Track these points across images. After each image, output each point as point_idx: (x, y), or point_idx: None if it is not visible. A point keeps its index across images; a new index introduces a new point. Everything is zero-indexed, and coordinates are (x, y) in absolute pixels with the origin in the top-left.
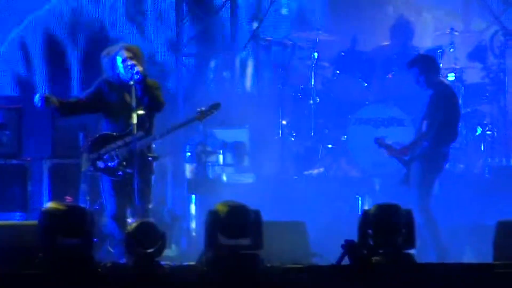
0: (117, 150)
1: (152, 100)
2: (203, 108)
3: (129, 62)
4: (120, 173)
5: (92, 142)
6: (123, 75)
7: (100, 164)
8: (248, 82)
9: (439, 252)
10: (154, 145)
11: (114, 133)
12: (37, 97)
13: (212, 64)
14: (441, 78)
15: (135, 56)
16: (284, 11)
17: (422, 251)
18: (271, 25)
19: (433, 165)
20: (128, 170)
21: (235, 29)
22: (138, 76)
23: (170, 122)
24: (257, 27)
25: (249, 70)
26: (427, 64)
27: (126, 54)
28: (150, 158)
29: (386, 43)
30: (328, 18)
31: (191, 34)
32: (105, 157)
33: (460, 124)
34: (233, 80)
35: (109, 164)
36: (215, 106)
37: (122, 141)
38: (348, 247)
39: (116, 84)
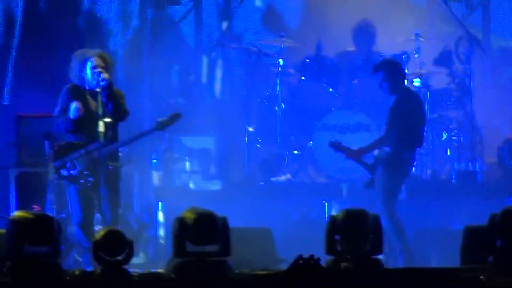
0: (78, 158)
1: (116, 108)
2: (164, 118)
3: (97, 70)
4: (81, 181)
5: (56, 150)
6: (89, 80)
7: (63, 172)
8: (214, 89)
9: (406, 256)
10: (120, 154)
11: (78, 141)
12: (74, 106)
13: (178, 69)
14: (406, 85)
15: (106, 65)
16: (258, 2)
17: (390, 256)
18: (240, 30)
19: (397, 170)
20: (89, 178)
21: (201, 34)
22: (104, 83)
23: (134, 129)
24: (226, 30)
25: (215, 76)
26: (391, 70)
27: (97, 61)
28: (110, 167)
29: (351, 49)
30: (295, 24)
31: (156, 40)
32: (67, 165)
33: (425, 129)
34: (199, 86)
35: (71, 172)
36: (175, 116)
37: (84, 149)
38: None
39: (80, 91)
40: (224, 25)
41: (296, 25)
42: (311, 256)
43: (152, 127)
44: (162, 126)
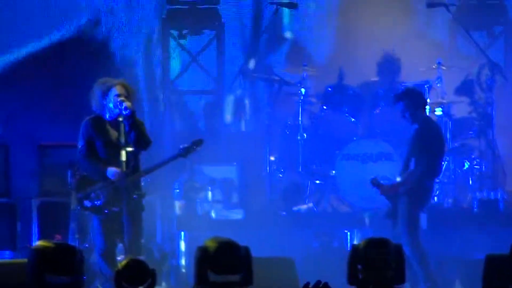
0: (102, 188)
1: (139, 137)
2: (185, 145)
3: (120, 98)
4: (106, 211)
5: (79, 181)
6: (111, 109)
7: (87, 203)
8: (236, 118)
9: (430, 286)
10: (142, 183)
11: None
12: (113, 171)
13: (199, 99)
14: (427, 114)
15: (128, 95)
16: (287, 35)
17: (413, 286)
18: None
19: (419, 199)
20: (114, 209)
21: (222, 64)
22: (127, 112)
23: (156, 158)
24: (245, 62)
25: (237, 105)
26: (413, 99)
27: (120, 90)
28: (135, 196)
29: (374, 79)
30: (320, 56)
31: (178, 71)
32: (91, 195)
33: (447, 158)
34: (221, 116)
35: (96, 202)
36: (198, 143)
37: (107, 179)
38: None
39: (101, 122)
40: (251, 63)
41: (321, 57)
42: (319, 281)
43: (175, 154)
44: (185, 153)
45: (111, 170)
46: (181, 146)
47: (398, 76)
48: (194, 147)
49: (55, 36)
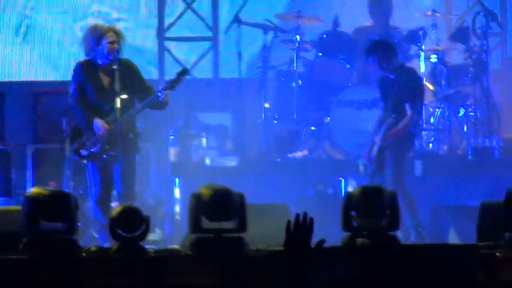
0: (97, 134)
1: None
2: (171, 78)
3: (115, 46)
4: (104, 156)
5: (73, 129)
6: (104, 55)
7: (84, 152)
8: (231, 65)
9: (418, 232)
10: (138, 124)
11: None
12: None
13: (194, 46)
14: (401, 62)
15: (120, 41)
16: None
17: (404, 232)
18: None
19: (406, 147)
20: (111, 153)
21: (217, 12)
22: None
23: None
24: (240, 9)
25: (232, 52)
26: (384, 50)
27: (113, 37)
28: (130, 136)
29: (368, 25)
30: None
31: (173, 18)
32: (87, 143)
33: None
34: (216, 63)
35: (92, 149)
36: (183, 72)
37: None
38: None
39: (93, 66)
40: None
41: (316, 3)
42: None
43: (162, 88)
44: (171, 85)
45: (98, 123)
46: (167, 79)
47: (390, 16)
48: (180, 77)
49: None
